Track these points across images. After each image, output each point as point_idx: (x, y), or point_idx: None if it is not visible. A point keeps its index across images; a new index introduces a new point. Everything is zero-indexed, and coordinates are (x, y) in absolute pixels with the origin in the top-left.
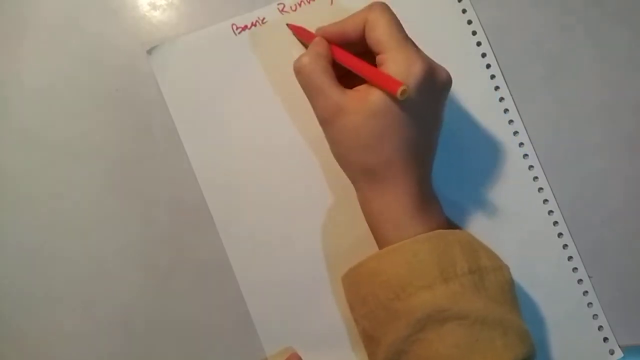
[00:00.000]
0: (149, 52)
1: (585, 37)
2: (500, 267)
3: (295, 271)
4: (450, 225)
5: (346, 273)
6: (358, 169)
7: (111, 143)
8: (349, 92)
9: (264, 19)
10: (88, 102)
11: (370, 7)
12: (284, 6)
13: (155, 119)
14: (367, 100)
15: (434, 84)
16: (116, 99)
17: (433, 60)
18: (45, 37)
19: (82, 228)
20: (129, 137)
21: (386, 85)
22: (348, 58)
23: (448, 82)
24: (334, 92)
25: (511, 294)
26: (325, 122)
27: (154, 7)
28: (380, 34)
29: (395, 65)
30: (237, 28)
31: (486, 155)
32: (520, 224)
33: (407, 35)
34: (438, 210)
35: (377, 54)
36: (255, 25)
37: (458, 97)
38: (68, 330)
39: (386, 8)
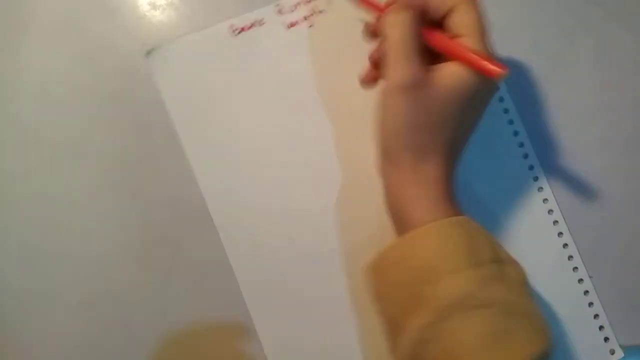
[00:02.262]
0: (149, 52)
1: (585, 37)
2: (516, 262)
3: (296, 271)
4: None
5: (370, 264)
6: (409, 145)
7: (111, 143)
8: (433, 68)
9: (262, 20)
10: (88, 102)
11: None
12: (282, 7)
13: (154, 119)
14: (456, 83)
15: (492, 84)
16: (116, 99)
17: None
18: (45, 37)
19: (82, 228)
20: (128, 137)
21: (483, 67)
22: (437, 37)
23: (496, 86)
24: (419, 63)
25: (528, 288)
26: (398, 89)
27: (154, 7)
28: (470, 20)
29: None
30: (235, 29)
31: (486, 155)
32: (520, 224)
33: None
34: (458, 202)
35: (455, 37)
36: (253, 27)
37: None
38: (68, 330)
39: (478, 3)
